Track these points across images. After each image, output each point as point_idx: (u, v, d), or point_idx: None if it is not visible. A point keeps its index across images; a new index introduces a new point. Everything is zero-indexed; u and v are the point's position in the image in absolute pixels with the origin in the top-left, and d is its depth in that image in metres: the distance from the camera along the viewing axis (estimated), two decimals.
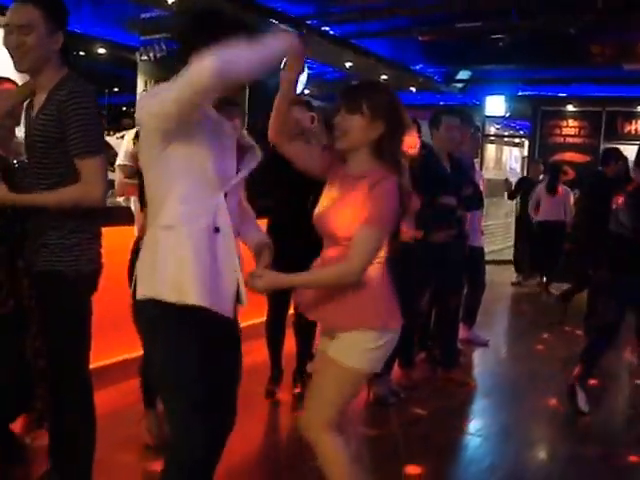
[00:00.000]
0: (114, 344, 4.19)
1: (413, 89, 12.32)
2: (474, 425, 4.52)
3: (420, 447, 3.92)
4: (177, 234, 2.11)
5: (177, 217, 2.12)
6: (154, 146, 2.11)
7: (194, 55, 1.92)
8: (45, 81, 2.59)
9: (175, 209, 2.12)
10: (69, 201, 2.57)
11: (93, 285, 2.73)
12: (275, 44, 2.08)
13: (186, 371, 2.15)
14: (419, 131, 4.58)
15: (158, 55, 8.07)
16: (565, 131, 12.00)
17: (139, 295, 2.18)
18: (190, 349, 2.15)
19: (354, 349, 2.40)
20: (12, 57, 2.57)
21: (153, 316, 2.17)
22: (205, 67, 1.87)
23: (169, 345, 2.17)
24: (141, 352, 2.45)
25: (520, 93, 12.31)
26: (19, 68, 2.60)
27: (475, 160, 6.37)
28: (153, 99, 2.06)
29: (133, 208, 4.08)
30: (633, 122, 11.64)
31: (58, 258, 2.59)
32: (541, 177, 9.82)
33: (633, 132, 11.56)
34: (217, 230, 2.15)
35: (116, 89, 10.91)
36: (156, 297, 2.13)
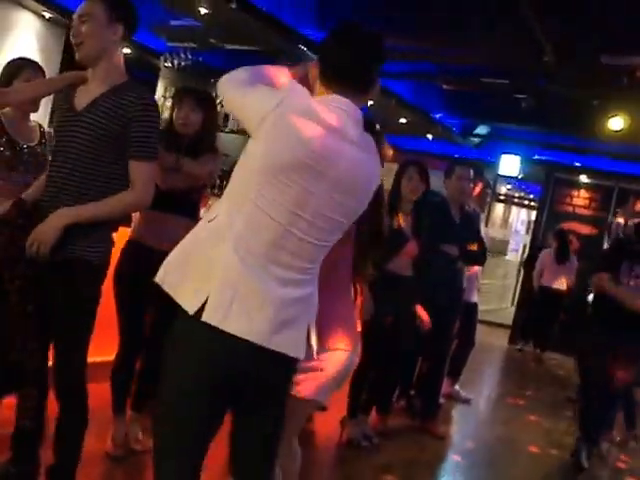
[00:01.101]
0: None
1: (430, 137, 12.32)
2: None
3: None
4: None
5: None
6: None
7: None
8: (102, 73, 2.60)
9: None
10: (122, 207, 2.61)
11: (105, 275, 2.74)
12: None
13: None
14: (422, 176, 4.52)
15: (182, 63, 8.08)
16: (575, 201, 11.94)
17: None
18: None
19: None
20: (75, 48, 2.61)
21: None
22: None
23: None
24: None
25: (535, 157, 12.31)
26: (77, 57, 2.61)
27: (482, 216, 6.32)
28: None
29: None
30: None
31: (84, 247, 2.56)
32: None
33: None
34: None
35: None
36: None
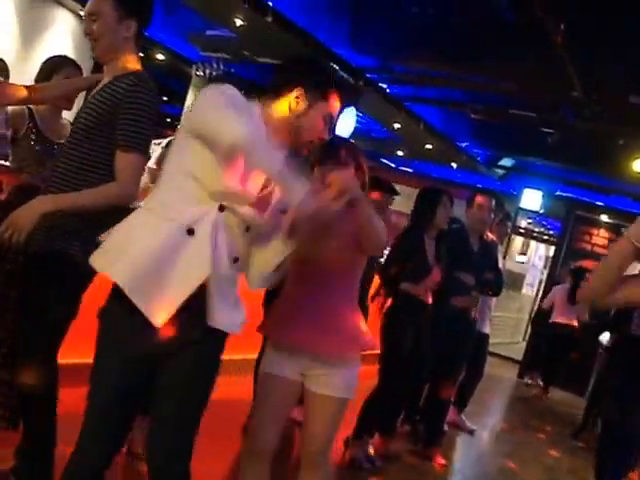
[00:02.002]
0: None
1: (454, 165, 12.32)
2: None
3: None
4: (146, 217, 2.04)
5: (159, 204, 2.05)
6: (185, 137, 2.04)
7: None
8: (114, 69, 2.56)
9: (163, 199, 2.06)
10: (104, 199, 2.45)
11: (90, 281, 2.55)
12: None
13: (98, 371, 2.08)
14: (450, 205, 4.57)
15: (214, 73, 8.16)
16: (595, 240, 11.87)
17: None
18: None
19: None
20: (91, 45, 2.59)
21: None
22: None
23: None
24: None
25: (558, 192, 12.27)
26: (93, 55, 2.60)
27: (500, 248, 6.30)
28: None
29: None
30: None
31: (69, 242, 2.49)
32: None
33: None
34: (190, 232, 1.98)
35: (165, 98, 11.04)
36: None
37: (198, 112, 2.01)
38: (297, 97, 2.12)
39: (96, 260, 2.05)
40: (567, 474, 5.57)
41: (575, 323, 8.91)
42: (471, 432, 6.18)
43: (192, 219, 1.97)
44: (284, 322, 2.52)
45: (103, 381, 2.04)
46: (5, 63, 4.38)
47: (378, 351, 4.43)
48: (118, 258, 1.97)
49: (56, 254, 2.49)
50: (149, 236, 1.98)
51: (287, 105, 2.12)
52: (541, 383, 9.54)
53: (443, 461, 5.10)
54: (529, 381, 9.89)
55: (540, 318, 9.77)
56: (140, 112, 2.41)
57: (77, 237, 2.49)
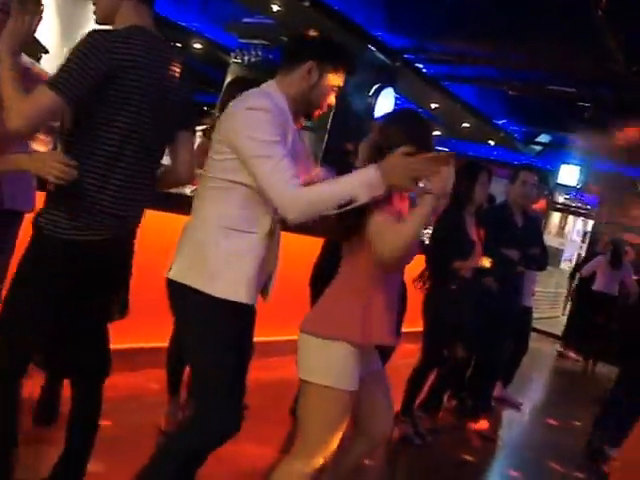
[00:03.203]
0: (149, 329, 4.14)
1: (492, 142, 12.30)
2: None
3: None
4: (245, 238, 2.25)
5: (242, 221, 2.25)
6: (228, 153, 2.23)
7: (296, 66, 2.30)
8: None
9: (234, 215, 2.24)
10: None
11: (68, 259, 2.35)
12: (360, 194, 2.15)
13: (224, 356, 2.26)
14: (489, 181, 4.61)
15: (252, 60, 8.24)
16: (632, 213, 11.79)
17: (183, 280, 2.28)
18: (231, 338, 2.29)
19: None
20: None
21: (197, 303, 2.26)
22: (289, 215, 2.15)
23: (212, 332, 2.27)
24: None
25: (594, 166, 12.19)
26: (95, 21, 2.49)
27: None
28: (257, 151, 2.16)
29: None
30: None
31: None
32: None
33: None
34: (271, 234, 2.29)
35: (204, 87, 11.15)
36: (202, 289, 2.23)
37: (240, 141, 2.18)
38: (310, 70, 2.31)
39: (197, 281, 2.24)
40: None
41: (616, 293, 8.87)
42: (518, 406, 6.24)
43: (269, 225, 2.28)
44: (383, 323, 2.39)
45: (228, 362, 2.28)
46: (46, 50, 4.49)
47: (421, 328, 4.53)
48: (223, 277, 2.23)
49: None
50: (245, 253, 2.25)
51: (300, 77, 2.31)
52: (582, 357, 9.53)
53: (491, 435, 5.18)
54: (571, 355, 9.86)
55: (581, 287, 9.72)
56: (71, 55, 2.21)
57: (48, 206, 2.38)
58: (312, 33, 2.42)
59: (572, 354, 9.78)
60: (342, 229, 2.33)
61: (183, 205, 3.98)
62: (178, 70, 2.44)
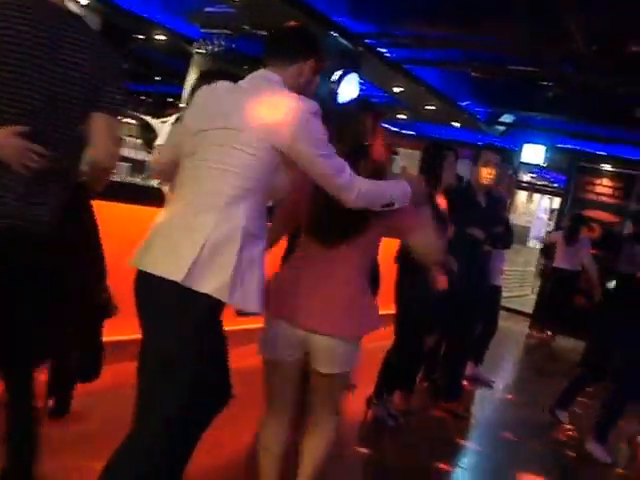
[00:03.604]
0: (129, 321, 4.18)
1: (457, 124, 12.40)
2: (466, 460, 4.54)
3: (411, 473, 3.93)
4: (259, 246, 2.25)
5: (259, 228, 2.25)
6: (264, 154, 2.21)
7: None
8: None
9: (256, 219, 2.23)
10: None
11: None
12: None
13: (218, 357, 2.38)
14: (456, 161, 4.67)
15: (215, 50, 8.21)
16: (598, 189, 11.99)
17: (172, 276, 2.13)
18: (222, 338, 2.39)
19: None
20: None
21: (204, 308, 2.19)
22: (351, 196, 2.29)
23: (208, 334, 2.28)
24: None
25: (559, 145, 12.36)
26: None
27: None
28: (318, 150, 2.25)
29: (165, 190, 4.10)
30: None
31: None
32: None
33: None
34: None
35: (167, 78, 11.12)
36: (215, 295, 2.16)
37: (303, 144, 2.23)
38: (310, 66, 2.42)
39: (209, 286, 2.15)
40: (586, 418, 5.76)
41: (578, 268, 8.96)
42: (489, 384, 6.36)
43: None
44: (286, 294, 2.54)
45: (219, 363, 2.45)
46: None
47: (393, 311, 4.59)
48: (242, 285, 2.19)
49: None
50: (258, 261, 2.25)
51: (299, 72, 2.40)
52: (551, 334, 9.67)
53: (464, 414, 5.27)
54: (541, 332, 9.98)
55: (547, 264, 9.84)
56: None
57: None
58: (305, 27, 2.50)
59: (541, 331, 9.94)
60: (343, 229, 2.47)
61: (150, 197, 4.03)
62: (80, 44, 2.32)
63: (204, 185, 2.22)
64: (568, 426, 5.47)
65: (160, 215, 2.29)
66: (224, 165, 2.20)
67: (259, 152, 2.20)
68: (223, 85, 2.37)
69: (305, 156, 2.23)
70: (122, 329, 4.21)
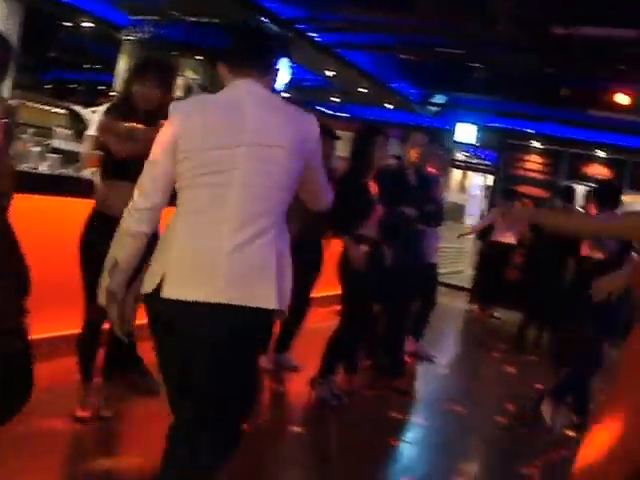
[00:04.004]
0: (55, 318, 4.08)
1: (390, 106, 12.54)
2: (411, 434, 4.64)
3: (357, 451, 3.97)
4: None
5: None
6: (296, 166, 2.24)
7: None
8: None
9: (285, 229, 2.28)
10: None
11: None
12: None
13: None
14: (386, 142, 4.76)
15: (145, 36, 8.10)
16: (528, 165, 12.36)
17: (272, 304, 2.17)
18: None
19: None
20: None
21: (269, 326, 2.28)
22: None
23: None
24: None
25: (490, 124, 12.63)
26: None
27: (441, 180, 6.55)
28: None
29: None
30: (591, 165, 12.07)
31: None
32: None
33: (590, 174, 11.96)
34: None
35: (96, 66, 10.91)
36: (279, 307, 2.20)
37: (318, 155, 2.36)
38: (278, 70, 2.41)
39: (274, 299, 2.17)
40: (522, 385, 5.96)
41: (514, 241, 9.11)
42: (431, 359, 6.50)
43: None
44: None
45: None
46: None
47: (339, 292, 4.66)
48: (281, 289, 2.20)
49: None
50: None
51: (273, 77, 2.36)
52: (489, 307, 9.87)
53: (407, 389, 5.38)
54: (479, 306, 10.13)
55: (482, 239, 10.00)
56: None
57: None
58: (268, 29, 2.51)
59: (480, 305, 10.13)
60: None
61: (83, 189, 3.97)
62: None
63: (244, 206, 2.15)
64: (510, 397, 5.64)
65: (188, 239, 2.17)
66: (261, 181, 2.17)
67: (292, 165, 2.21)
68: (218, 100, 2.29)
69: (315, 165, 2.34)
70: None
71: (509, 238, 9.09)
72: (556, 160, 12.21)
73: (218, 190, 2.14)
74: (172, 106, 2.23)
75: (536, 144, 12.34)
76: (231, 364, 2.19)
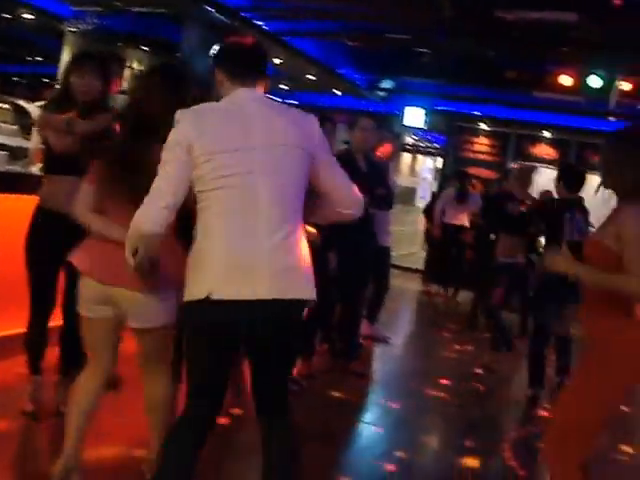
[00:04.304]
0: (4, 318, 4.07)
1: (338, 92, 12.60)
2: (370, 415, 4.74)
3: (317, 434, 4.00)
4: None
5: None
6: (307, 161, 2.44)
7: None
8: None
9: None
10: None
11: None
12: None
13: None
14: (334, 131, 4.82)
15: (88, 27, 7.99)
16: (477, 147, 12.57)
17: (310, 295, 2.42)
18: None
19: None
20: None
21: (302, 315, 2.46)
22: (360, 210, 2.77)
23: None
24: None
25: (438, 107, 12.78)
26: None
27: (391, 165, 6.64)
28: None
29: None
30: (538, 145, 12.34)
31: None
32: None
33: (537, 154, 12.23)
34: None
35: (39, 58, 10.69)
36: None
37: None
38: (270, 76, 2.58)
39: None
40: (472, 367, 6.10)
41: (466, 223, 9.22)
42: (386, 340, 6.61)
43: None
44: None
45: None
46: None
47: None
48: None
49: None
50: None
51: (267, 83, 2.50)
52: (442, 288, 10.02)
53: (364, 372, 5.47)
54: (433, 287, 10.24)
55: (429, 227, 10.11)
56: None
57: None
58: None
59: (433, 287, 10.25)
60: None
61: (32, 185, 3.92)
62: None
63: (275, 205, 2.30)
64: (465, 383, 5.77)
65: (227, 240, 2.28)
66: (279, 179, 2.32)
67: (304, 160, 2.40)
68: (224, 107, 2.40)
69: (326, 159, 2.52)
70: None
71: (461, 220, 9.24)
72: (504, 141, 12.45)
73: (247, 191, 2.26)
74: (180, 112, 2.31)
75: (484, 126, 12.55)
76: (282, 351, 2.45)
